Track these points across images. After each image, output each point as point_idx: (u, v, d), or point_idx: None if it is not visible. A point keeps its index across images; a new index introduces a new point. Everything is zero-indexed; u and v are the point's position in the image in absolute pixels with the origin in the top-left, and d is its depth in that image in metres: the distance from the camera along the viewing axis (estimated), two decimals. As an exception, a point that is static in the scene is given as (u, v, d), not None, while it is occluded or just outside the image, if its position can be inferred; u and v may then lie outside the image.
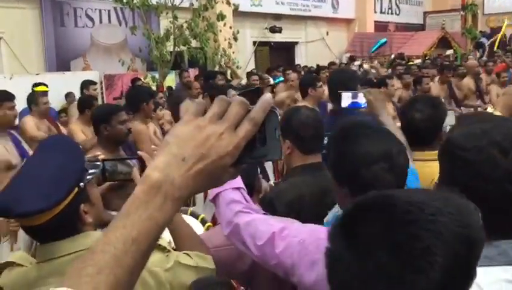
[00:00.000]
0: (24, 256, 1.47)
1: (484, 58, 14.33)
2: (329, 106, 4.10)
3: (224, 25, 10.54)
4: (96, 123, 3.45)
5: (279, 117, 0.73)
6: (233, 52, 11.22)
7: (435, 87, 8.02)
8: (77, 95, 8.08)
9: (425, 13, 22.88)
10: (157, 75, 10.13)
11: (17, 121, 4.90)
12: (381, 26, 19.92)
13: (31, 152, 3.91)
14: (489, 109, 8.24)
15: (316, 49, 17.42)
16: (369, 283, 0.76)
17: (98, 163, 1.60)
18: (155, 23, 10.90)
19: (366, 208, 0.82)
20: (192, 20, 9.88)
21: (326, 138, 2.23)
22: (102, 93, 10.22)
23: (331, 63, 12.82)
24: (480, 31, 20.08)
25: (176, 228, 1.60)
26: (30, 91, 6.73)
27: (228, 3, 10.83)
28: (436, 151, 1.27)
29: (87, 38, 11.39)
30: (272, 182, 4.72)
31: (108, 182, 1.70)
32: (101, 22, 11.67)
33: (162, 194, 0.69)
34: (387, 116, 2.36)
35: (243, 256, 1.76)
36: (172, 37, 9.82)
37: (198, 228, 2.83)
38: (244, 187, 1.73)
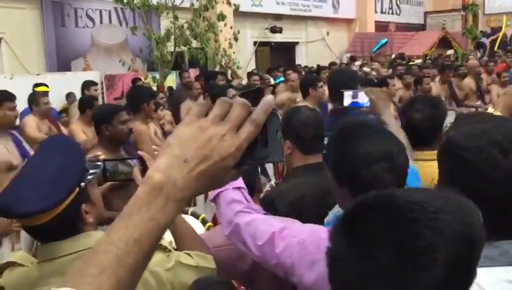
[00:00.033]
0: (25, 256, 1.47)
1: (485, 58, 14.32)
2: (330, 106, 4.10)
3: (225, 25, 10.54)
4: (98, 123, 3.45)
5: (280, 118, 0.73)
6: (233, 53, 11.22)
7: (436, 87, 8.02)
8: (78, 95, 8.08)
9: (425, 13, 22.88)
10: (157, 76, 10.14)
11: (18, 122, 4.91)
12: (381, 26, 19.91)
13: (32, 152, 3.91)
14: (490, 109, 8.23)
15: (316, 49, 17.42)
16: (371, 282, 0.76)
17: (99, 163, 1.60)
18: (156, 23, 10.90)
19: (367, 208, 0.82)
20: (193, 21, 9.89)
21: (326, 138, 2.23)
22: (102, 93, 10.22)
23: (332, 63, 12.83)
24: (481, 31, 20.08)
25: (177, 228, 1.60)
26: (31, 91, 6.74)
27: (229, 3, 10.84)
28: (436, 151, 1.27)
29: (87, 38, 11.40)
30: (272, 182, 4.72)
31: (109, 182, 1.70)
32: (101, 22, 11.68)
33: (164, 196, 0.69)
34: (390, 116, 2.36)
35: (244, 256, 1.76)
36: (172, 37, 9.83)
37: (199, 228, 2.83)
38: (245, 187, 1.73)
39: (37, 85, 7.62)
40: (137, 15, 10.53)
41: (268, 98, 0.73)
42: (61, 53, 10.92)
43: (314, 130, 2.23)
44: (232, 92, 6.06)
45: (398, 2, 21.61)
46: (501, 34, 17.87)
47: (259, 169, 2.48)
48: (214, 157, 0.69)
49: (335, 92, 3.43)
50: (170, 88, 10.19)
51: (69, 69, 10.73)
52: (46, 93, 6.64)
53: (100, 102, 8.17)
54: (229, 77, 9.96)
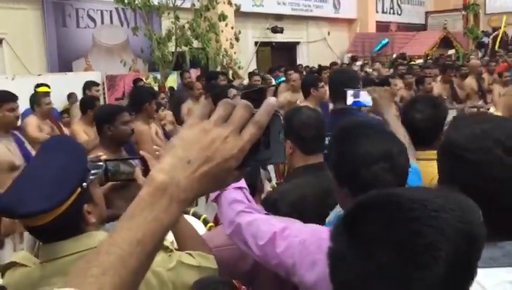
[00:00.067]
0: (27, 256, 1.47)
1: (486, 57, 14.31)
2: (331, 106, 4.10)
3: (226, 25, 10.55)
4: (100, 123, 3.46)
5: (282, 120, 0.74)
6: (234, 53, 11.23)
7: (437, 87, 8.02)
8: (79, 95, 8.09)
9: (427, 13, 22.87)
10: (159, 76, 10.14)
11: (19, 122, 4.92)
12: (382, 26, 19.90)
13: (33, 153, 3.91)
14: (492, 109, 8.24)
15: (317, 50, 17.42)
16: (372, 281, 0.76)
17: (101, 163, 1.61)
18: (157, 23, 10.91)
19: (368, 207, 0.83)
20: (194, 21, 9.89)
21: (327, 138, 2.23)
22: (104, 93, 10.24)
23: (333, 63, 12.83)
24: (482, 31, 20.06)
25: (179, 228, 1.60)
26: (32, 92, 6.75)
27: (230, 3, 10.84)
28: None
29: (89, 39, 11.41)
30: (274, 182, 4.73)
31: (111, 182, 1.71)
32: (102, 22, 11.69)
33: (167, 197, 0.69)
34: (392, 115, 2.35)
35: (245, 256, 1.76)
36: (174, 37, 9.83)
37: (200, 228, 2.84)
38: (247, 187, 1.74)
39: (38, 85, 7.63)
40: (138, 15, 10.54)
41: (270, 100, 0.73)
42: (62, 53, 10.93)
43: (315, 130, 2.23)
44: (233, 92, 6.07)
45: (399, 2, 21.60)
46: (501, 31, 17.86)
47: (260, 169, 2.48)
48: (217, 158, 0.70)
49: (336, 92, 3.44)
50: (171, 88, 10.20)
51: (70, 70, 10.74)
52: (47, 94, 6.65)
53: (101, 102, 8.18)
54: (230, 77, 9.96)
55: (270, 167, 5.17)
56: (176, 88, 10.26)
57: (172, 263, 1.46)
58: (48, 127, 5.82)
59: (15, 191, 1.33)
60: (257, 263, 1.71)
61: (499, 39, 17.77)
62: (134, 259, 0.67)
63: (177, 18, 9.75)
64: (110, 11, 11.63)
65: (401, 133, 2.20)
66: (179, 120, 6.83)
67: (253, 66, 14.13)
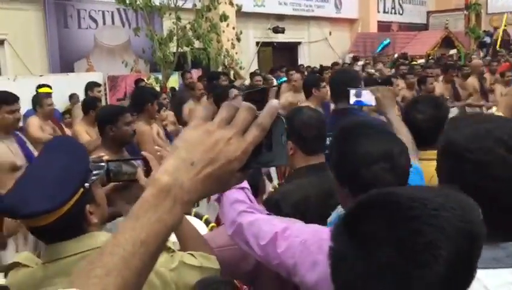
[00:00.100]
0: (30, 257, 1.48)
1: (488, 57, 14.30)
2: (333, 106, 4.10)
3: (227, 25, 10.56)
4: (102, 124, 3.46)
5: (285, 122, 0.74)
6: (236, 53, 11.24)
7: (439, 87, 8.01)
8: (81, 96, 8.11)
9: (428, 13, 22.85)
10: (160, 76, 10.15)
11: (21, 123, 4.92)
12: (384, 26, 19.89)
13: (35, 153, 3.92)
14: (494, 109, 8.22)
15: (319, 50, 17.42)
16: (373, 280, 0.77)
17: (103, 164, 1.61)
18: (158, 24, 10.93)
19: (368, 206, 0.83)
20: (195, 21, 9.91)
21: (328, 139, 2.23)
22: (105, 94, 10.25)
23: (334, 63, 12.83)
24: (484, 31, 20.04)
25: (181, 229, 1.60)
26: (34, 92, 6.76)
27: (231, 3, 10.86)
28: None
29: (90, 39, 11.43)
30: (275, 183, 4.73)
31: (113, 182, 1.71)
32: (104, 23, 11.71)
33: (171, 198, 0.69)
34: (396, 114, 2.35)
35: (247, 256, 1.77)
36: (175, 38, 9.84)
37: (202, 228, 2.83)
38: (249, 187, 1.74)
39: (40, 86, 7.64)
40: (140, 16, 10.55)
41: (273, 102, 0.74)
42: (64, 54, 10.96)
43: (316, 131, 2.23)
44: (234, 92, 6.07)
45: (400, 2, 21.59)
46: (500, 30, 17.84)
47: (262, 170, 2.48)
48: (221, 160, 0.70)
49: (337, 92, 3.44)
50: (173, 89, 10.21)
51: (72, 70, 10.76)
52: (49, 95, 6.66)
53: (103, 103, 8.19)
54: (232, 78, 9.97)
55: (272, 168, 5.17)
56: (177, 88, 10.26)
57: (174, 264, 1.47)
58: (49, 127, 5.83)
59: (17, 191, 1.34)
60: (259, 263, 1.71)
61: (500, 39, 17.74)
62: (137, 260, 0.68)
63: (178, 18, 9.76)
64: (112, 12, 11.65)
65: (404, 132, 2.20)
66: (180, 120, 6.84)
67: (254, 67, 14.14)
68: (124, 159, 1.86)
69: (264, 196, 2.37)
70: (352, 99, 2.52)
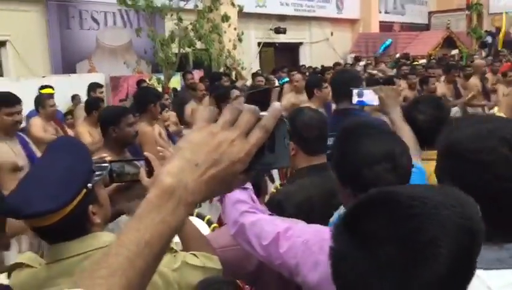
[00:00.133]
0: (33, 257, 1.48)
1: (490, 57, 14.27)
2: (334, 107, 4.10)
3: (229, 26, 10.58)
4: (105, 125, 3.47)
5: (287, 124, 0.75)
6: (237, 54, 11.24)
7: (441, 87, 8.00)
8: (83, 97, 8.12)
9: (430, 13, 22.83)
10: (162, 77, 10.17)
11: (24, 123, 4.93)
12: (386, 26, 19.88)
13: (38, 153, 3.92)
14: (495, 109, 8.20)
15: (320, 50, 17.42)
16: (375, 279, 0.77)
17: (106, 164, 1.62)
18: (160, 25, 10.94)
19: (368, 205, 0.83)
20: (197, 22, 9.93)
21: (329, 139, 2.24)
22: (108, 95, 10.26)
23: (336, 64, 12.82)
24: (486, 30, 20.00)
25: (183, 229, 1.61)
26: (36, 93, 6.78)
27: (232, 4, 10.88)
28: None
29: (92, 40, 11.45)
30: (277, 183, 4.73)
31: (116, 183, 1.71)
32: (106, 24, 11.72)
33: (175, 199, 0.70)
34: (399, 114, 2.35)
35: (249, 256, 1.77)
36: (177, 38, 9.86)
37: (204, 229, 2.84)
38: (251, 188, 1.74)
39: (42, 87, 7.66)
40: (141, 17, 10.57)
41: (276, 104, 0.75)
42: (66, 55, 10.98)
43: (318, 131, 2.24)
44: (235, 92, 6.08)
45: (402, 2, 21.57)
46: (502, 30, 17.82)
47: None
48: (224, 161, 0.71)
49: (338, 93, 3.44)
50: (175, 89, 10.22)
51: (74, 71, 10.78)
52: (51, 96, 6.67)
53: (105, 104, 8.20)
54: (233, 78, 9.98)
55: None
56: (179, 89, 10.28)
57: (177, 264, 1.47)
58: (52, 128, 5.85)
59: (21, 191, 1.35)
60: (261, 263, 1.71)
61: (501, 39, 17.72)
62: (141, 260, 0.68)
63: (180, 19, 9.78)
64: (114, 13, 11.67)
65: (407, 132, 2.20)
66: (182, 121, 6.85)
67: (256, 67, 14.15)
68: (126, 160, 1.86)
69: (266, 197, 2.38)
70: (355, 99, 2.53)
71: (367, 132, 1.56)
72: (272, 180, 5.02)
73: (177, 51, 10.05)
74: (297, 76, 7.27)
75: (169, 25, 10.44)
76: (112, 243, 0.71)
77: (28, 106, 5.55)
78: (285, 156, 0.75)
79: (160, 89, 9.12)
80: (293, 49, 17.52)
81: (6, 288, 1.33)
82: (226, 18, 10.35)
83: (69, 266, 1.36)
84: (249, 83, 9.76)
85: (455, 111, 7.61)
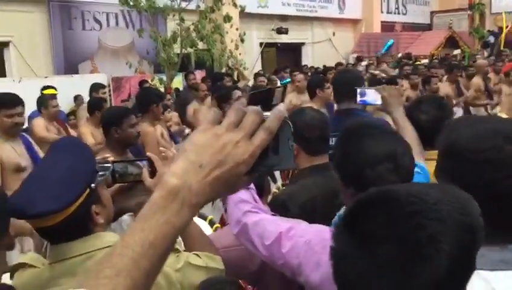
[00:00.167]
0: (36, 257, 1.48)
1: (492, 57, 14.24)
2: (336, 107, 4.10)
3: (231, 26, 10.59)
4: (107, 126, 3.47)
5: (291, 126, 0.75)
6: (239, 54, 11.25)
7: (444, 87, 7.99)
8: (85, 97, 8.14)
9: (432, 13, 22.79)
10: (164, 77, 10.19)
11: (26, 124, 4.94)
12: (388, 26, 19.86)
13: (41, 154, 3.93)
14: (497, 108, 8.18)
15: (322, 50, 17.41)
16: (375, 278, 0.77)
17: (108, 165, 1.62)
18: (162, 25, 10.96)
19: (367, 204, 0.83)
20: (199, 22, 9.94)
21: (331, 139, 2.24)
22: (110, 95, 10.28)
23: (338, 64, 12.81)
24: (488, 30, 19.96)
25: (186, 229, 1.61)
26: (39, 94, 6.79)
27: (234, 5, 10.88)
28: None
29: (94, 41, 11.46)
30: (279, 183, 4.73)
31: (118, 183, 1.72)
32: (108, 25, 11.74)
33: (179, 200, 0.71)
34: (402, 113, 2.35)
35: (252, 256, 1.78)
36: (179, 39, 9.88)
37: (206, 229, 2.84)
38: (254, 188, 1.75)
39: (45, 88, 7.67)
40: (143, 17, 10.59)
41: (280, 106, 0.75)
42: (68, 56, 11.00)
43: (319, 131, 2.24)
44: (237, 93, 6.08)
45: (404, 2, 21.54)
46: (504, 29, 17.79)
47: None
48: (229, 163, 0.71)
49: (340, 93, 3.44)
50: (177, 90, 10.23)
51: (76, 72, 10.80)
52: (54, 96, 6.68)
53: (107, 104, 8.21)
54: (235, 78, 9.98)
55: (276, 168, 5.16)
56: (181, 89, 10.28)
57: (180, 264, 1.48)
58: (54, 129, 5.86)
59: (24, 192, 1.35)
60: (264, 263, 1.72)
61: (503, 38, 17.69)
62: (146, 261, 0.69)
63: (182, 20, 9.79)
64: (116, 14, 11.68)
65: (410, 132, 2.20)
66: (184, 121, 6.87)
67: (258, 67, 14.15)
68: (129, 160, 1.86)
69: (269, 197, 2.38)
70: (358, 99, 2.53)
71: (369, 132, 1.56)
72: (274, 181, 5.03)
73: (179, 52, 10.06)
74: (299, 76, 7.27)
75: (172, 25, 10.46)
76: (116, 244, 0.71)
77: (30, 106, 5.57)
78: (290, 157, 0.75)
79: (162, 90, 9.14)
80: (295, 49, 17.52)
81: (9, 288, 1.34)
82: (228, 18, 10.36)
83: (72, 266, 1.36)
84: (251, 83, 9.77)
85: (455, 110, 7.60)
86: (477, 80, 8.64)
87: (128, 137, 3.41)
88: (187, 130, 6.59)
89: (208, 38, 10.05)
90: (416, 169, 1.61)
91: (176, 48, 10.04)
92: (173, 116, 6.77)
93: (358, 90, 2.52)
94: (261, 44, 15.56)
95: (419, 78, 7.89)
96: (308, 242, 1.49)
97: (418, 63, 12.58)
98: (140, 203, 1.67)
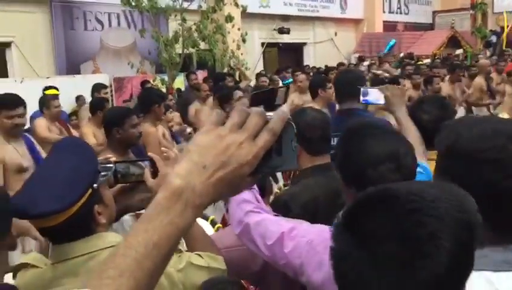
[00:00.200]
0: (38, 257, 1.49)
1: (494, 57, 14.22)
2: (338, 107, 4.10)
3: (233, 26, 10.59)
4: (109, 126, 3.47)
5: (295, 127, 0.75)
6: (241, 54, 11.25)
7: (446, 87, 7.98)
8: (87, 98, 8.15)
9: (434, 12, 22.77)
10: (166, 78, 10.20)
11: (28, 124, 4.95)
12: (390, 26, 19.85)
13: (44, 154, 3.93)
14: (499, 108, 8.15)
15: (324, 50, 17.40)
16: (374, 278, 0.77)
17: (110, 165, 1.62)
18: (164, 25, 10.97)
19: (366, 203, 0.83)
20: (201, 22, 9.94)
21: (333, 139, 2.24)
22: (112, 96, 10.29)
23: (340, 64, 12.81)
24: (491, 30, 19.93)
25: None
26: (41, 94, 6.80)
27: (236, 5, 10.88)
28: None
29: (96, 41, 11.48)
30: (281, 183, 4.73)
31: (120, 184, 1.72)
32: (110, 25, 11.76)
33: (183, 201, 0.71)
34: (405, 113, 2.34)
35: (254, 257, 1.78)
36: (181, 39, 9.88)
37: (208, 229, 2.84)
38: (256, 188, 1.75)
39: (47, 88, 7.68)
40: (145, 18, 10.59)
41: (284, 108, 0.75)
42: (70, 56, 11.01)
43: (321, 132, 2.24)
44: (238, 93, 6.09)
45: (406, 2, 21.52)
46: (505, 30, 17.77)
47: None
48: (232, 164, 0.71)
49: (341, 93, 3.44)
50: (179, 90, 10.24)
51: (78, 72, 10.82)
52: (56, 96, 6.69)
53: (109, 104, 8.22)
54: (237, 79, 9.99)
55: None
56: (183, 90, 10.29)
57: (182, 264, 1.48)
58: (56, 129, 5.87)
59: (27, 192, 1.35)
60: (266, 263, 1.72)
61: (505, 38, 17.67)
62: (149, 261, 0.69)
63: (184, 20, 9.80)
64: (118, 14, 11.70)
65: (413, 131, 2.20)
66: (186, 121, 6.87)
67: (260, 67, 14.16)
68: (131, 161, 1.87)
69: (271, 197, 2.38)
70: (361, 98, 2.52)
71: (371, 132, 1.56)
72: (276, 181, 5.02)
73: (181, 52, 10.06)
74: (301, 76, 7.27)
75: (173, 25, 10.47)
76: (119, 244, 0.71)
77: (32, 107, 5.57)
78: (293, 158, 0.75)
79: (164, 90, 9.14)
80: (296, 49, 17.51)
81: (12, 288, 1.34)
82: (229, 18, 10.36)
83: (74, 266, 1.36)
84: (252, 83, 9.77)
85: (460, 112, 7.59)
86: (479, 80, 8.62)
87: (130, 137, 3.41)
88: (188, 129, 6.60)
89: (209, 38, 10.05)
90: (418, 169, 1.61)
91: (178, 48, 10.05)
92: (175, 116, 6.77)
93: (362, 89, 2.52)
94: (262, 44, 15.57)
95: (421, 78, 7.88)
96: (310, 242, 1.49)
97: (420, 62, 12.57)
98: (142, 199, 1.68)
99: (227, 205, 1.79)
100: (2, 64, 10.36)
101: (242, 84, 8.66)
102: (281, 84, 9.22)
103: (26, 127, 4.49)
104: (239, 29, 11.27)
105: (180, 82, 10.80)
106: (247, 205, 1.67)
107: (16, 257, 3.10)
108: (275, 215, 1.77)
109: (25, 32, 10.15)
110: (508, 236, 1.07)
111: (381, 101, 2.40)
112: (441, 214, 0.77)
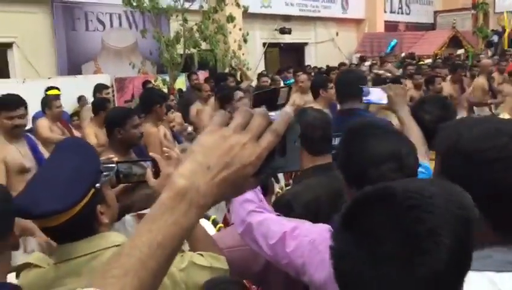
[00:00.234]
0: (41, 257, 1.49)
1: (496, 56, 14.20)
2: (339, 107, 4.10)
3: (234, 26, 10.59)
4: (110, 126, 3.48)
5: (299, 128, 0.76)
6: (243, 54, 11.26)
7: (447, 87, 7.97)
8: (89, 98, 8.16)
9: (435, 12, 22.76)
10: (167, 78, 10.20)
11: (30, 125, 4.96)
12: (391, 26, 19.84)
13: (46, 154, 3.93)
14: (500, 108, 8.13)
15: (325, 50, 17.40)
16: (374, 278, 0.77)
17: (113, 165, 1.63)
18: (165, 26, 10.97)
19: (365, 202, 0.84)
20: (202, 23, 9.94)
21: (335, 139, 2.24)
22: (113, 96, 10.30)
23: (341, 64, 12.80)
24: (492, 30, 19.91)
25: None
26: (42, 95, 6.81)
27: (238, 5, 10.89)
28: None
29: (98, 42, 11.49)
30: (282, 183, 4.73)
31: (122, 184, 1.72)
32: (111, 25, 11.77)
33: (187, 201, 0.71)
34: (407, 112, 2.34)
35: (256, 256, 1.78)
36: (182, 39, 9.88)
37: (209, 229, 2.85)
38: (259, 187, 1.75)
39: (48, 89, 7.69)
40: (147, 18, 10.60)
41: (287, 109, 0.76)
42: (71, 56, 11.03)
43: (322, 132, 2.24)
44: (239, 94, 6.09)
45: (407, 2, 21.52)
46: (506, 30, 17.75)
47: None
48: (236, 164, 0.72)
49: (343, 93, 3.44)
50: (180, 90, 10.24)
51: (79, 73, 10.83)
52: (58, 97, 6.70)
53: (111, 105, 8.23)
54: (239, 79, 9.99)
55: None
56: (184, 90, 10.29)
57: (184, 264, 1.48)
58: (58, 129, 5.89)
59: (29, 192, 1.36)
60: (268, 263, 1.72)
61: (506, 38, 17.65)
62: (154, 261, 0.70)
63: (185, 20, 9.80)
64: (119, 14, 11.71)
65: (416, 131, 2.20)
66: (187, 121, 6.88)
67: (261, 68, 14.16)
68: (133, 161, 1.87)
69: (272, 197, 2.38)
70: (364, 98, 2.52)
71: (373, 131, 1.56)
72: (277, 181, 5.03)
73: (182, 52, 10.07)
74: (303, 76, 7.27)
75: (175, 25, 10.47)
76: (123, 244, 0.72)
77: (34, 107, 5.59)
78: (296, 159, 0.76)
79: (165, 90, 9.14)
80: (298, 49, 17.52)
81: (15, 288, 1.34)
82: (231, 19, 10.36)
83: (76, 266, 1.37)
84: (254, 83, 9.77)
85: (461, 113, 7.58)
86: (481, 80, 8.60)
87: (131, 138, 3.41)
88: (189, 128, 6.60)
89: (211, 38, 10.05)
90: (420, 169, 1.61)
91: (179, 49, 10.06)
92: (176, 116, 6.78)
93: (364, 89, 2.52)
94: (264, 44, 15.57)
95: (423, 78, 7.87)
96: (312, 242, 1.49)
97: (421, 62, 12.55)
98: (145, 194, 1.68)
99: (229, 205, 1.79)
100: (4, 64, 10.38)
101: (243, 85, 8.66)
102: (282, 84, 9.23)
103: (28, 127, 4.49)
104: (240, 29, 11.27)
105: (181, 82, 10.80)
106: (250, 204, 1.67)
107: (17, 257, 3.11)
108: (277, 215, 1.77)
109: (27, 33, 10.16)
110: (507, 236, 1.07)
111: (384, 101, 2.40)
112: (441, 211, 0.77)
